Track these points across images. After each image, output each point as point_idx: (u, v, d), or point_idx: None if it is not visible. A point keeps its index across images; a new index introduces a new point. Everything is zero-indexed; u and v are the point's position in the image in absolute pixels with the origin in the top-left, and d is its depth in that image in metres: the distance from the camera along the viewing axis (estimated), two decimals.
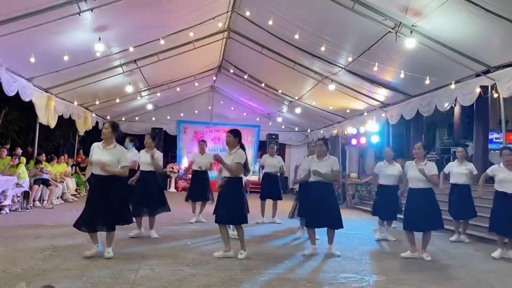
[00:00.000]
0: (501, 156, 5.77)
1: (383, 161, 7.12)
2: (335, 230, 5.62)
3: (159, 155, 6.40)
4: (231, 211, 5.07)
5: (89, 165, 5.02)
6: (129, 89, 11.49)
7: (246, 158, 5.17)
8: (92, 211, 4.77)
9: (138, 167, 6.63)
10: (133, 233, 6.17)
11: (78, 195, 12.00)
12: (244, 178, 5.38)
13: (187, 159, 15.52)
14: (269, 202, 8.60)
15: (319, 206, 5.50)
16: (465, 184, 6.86)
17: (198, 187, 8.16)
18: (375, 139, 13.23)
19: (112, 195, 4.80)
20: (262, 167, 8.82)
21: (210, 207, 6.57)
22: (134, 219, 5.70)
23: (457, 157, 7.13)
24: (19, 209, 8.86)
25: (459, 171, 6.90)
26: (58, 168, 11.43)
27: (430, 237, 5.58)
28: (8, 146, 10.70)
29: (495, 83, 7.07)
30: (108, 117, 15.78)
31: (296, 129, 17.88)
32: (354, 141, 14.75)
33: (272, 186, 8.49)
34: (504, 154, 5.70)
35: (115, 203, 4.81)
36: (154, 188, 6.31)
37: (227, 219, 5.17)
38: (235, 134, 5.22)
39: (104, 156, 4.84)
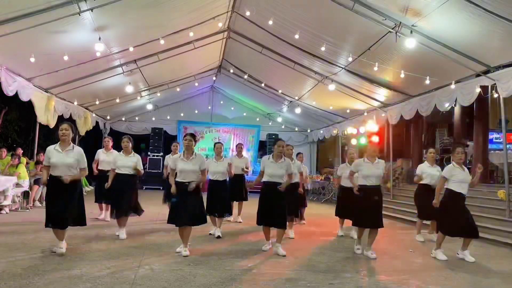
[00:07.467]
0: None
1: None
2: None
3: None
4: None
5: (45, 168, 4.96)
6: (129, 89, 11.50)
7: None
8: (59, 209, 4.78)
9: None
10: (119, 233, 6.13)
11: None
12: None
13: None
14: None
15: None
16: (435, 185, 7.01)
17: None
18: (375, 139, 13.21)
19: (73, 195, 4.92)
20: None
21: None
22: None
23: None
24: (19, 209, 8.87)
25: (431, 172, 6.87)
26: None
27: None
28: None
29: (495, 83, 7.08)
30: (108, 117, 15.79)
31: (296, 129, 17.89)
32: (354, 141, 14.74)
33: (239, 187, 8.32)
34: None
35: (76, 203, 4.95)
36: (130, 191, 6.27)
37: None
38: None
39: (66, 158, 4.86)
